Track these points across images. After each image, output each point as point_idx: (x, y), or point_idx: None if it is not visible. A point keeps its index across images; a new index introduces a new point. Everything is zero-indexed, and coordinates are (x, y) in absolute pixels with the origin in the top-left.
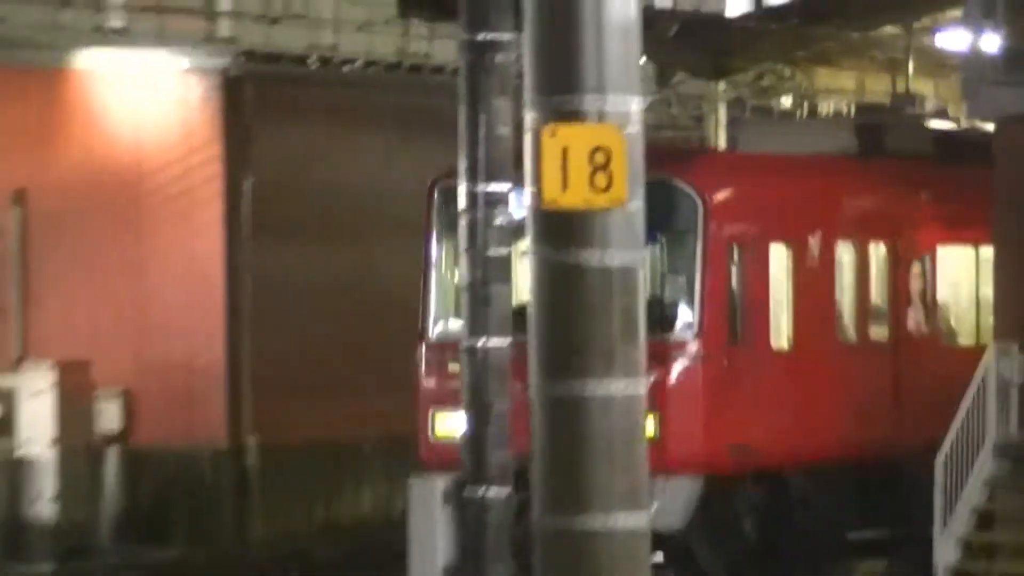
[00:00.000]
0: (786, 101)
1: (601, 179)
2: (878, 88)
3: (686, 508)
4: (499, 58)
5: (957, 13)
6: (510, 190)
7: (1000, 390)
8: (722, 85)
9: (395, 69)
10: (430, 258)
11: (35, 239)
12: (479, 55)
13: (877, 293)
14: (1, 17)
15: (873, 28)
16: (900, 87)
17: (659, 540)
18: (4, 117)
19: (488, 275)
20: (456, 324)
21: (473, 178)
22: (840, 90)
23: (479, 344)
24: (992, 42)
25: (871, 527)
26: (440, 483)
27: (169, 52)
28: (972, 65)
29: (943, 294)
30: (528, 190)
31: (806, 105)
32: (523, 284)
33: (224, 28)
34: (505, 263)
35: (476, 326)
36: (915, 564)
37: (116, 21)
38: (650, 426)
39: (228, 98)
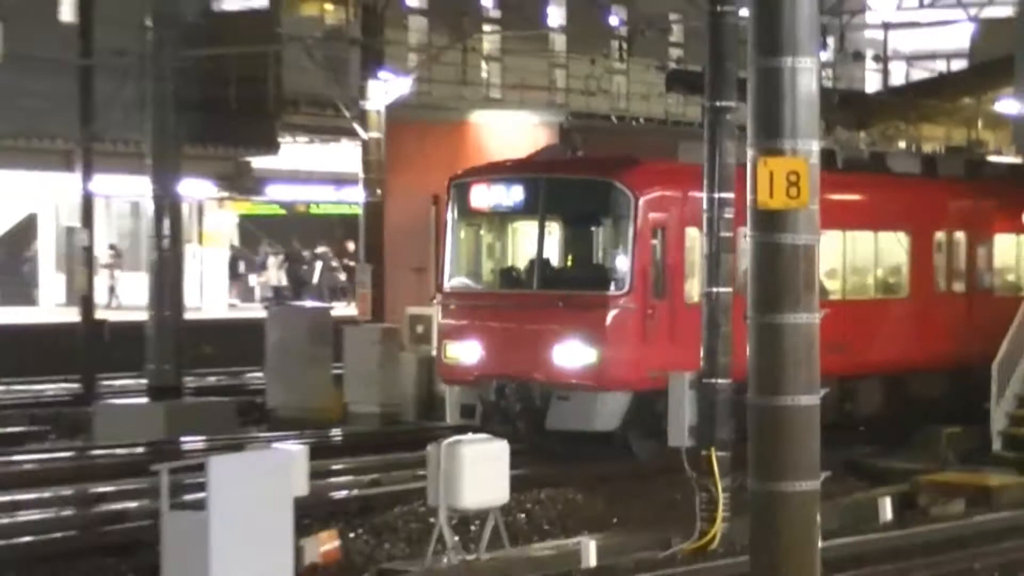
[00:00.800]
0: (902, 144)
1: (793, 191)
2: (958, 136)
3: (621, 413)
4: (729, 116)
5: (1010, 89)
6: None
7: None
8: (862, 134)
9: (663, 123)
10: (447, 232)
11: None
12: (716, 115)
13: None
14: (428, 91)
15: (956, 99)
16: (972, 136)
17: (604, 436)
18: (429, 152)
19: (720, 248)
20: (461, 280)
21: (712, 189)
22: (935, 138)
23: (714, 290)
24: None
25: None
26: (688, 375)
27: (527, 112)
28: (1021, 122)
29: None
30: (748, 197)
31: (914, 147)
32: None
33: (560, 97)
34: (729, 241)
35: (712, 279)
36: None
37: (495, 94)
38: (594, 356)
39: (562, 142)
